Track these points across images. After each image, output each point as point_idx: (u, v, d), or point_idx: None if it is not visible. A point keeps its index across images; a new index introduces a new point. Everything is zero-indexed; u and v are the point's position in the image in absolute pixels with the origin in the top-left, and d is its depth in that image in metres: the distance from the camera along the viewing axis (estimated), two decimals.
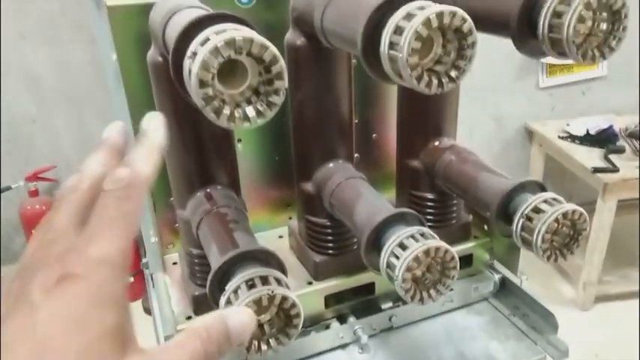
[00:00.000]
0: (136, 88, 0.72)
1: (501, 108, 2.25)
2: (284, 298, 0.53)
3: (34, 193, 1.99)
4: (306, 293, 0.77)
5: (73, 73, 1.91)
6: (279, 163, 0.91)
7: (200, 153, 0.69)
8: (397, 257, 0.58)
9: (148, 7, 0.66)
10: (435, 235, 0.60)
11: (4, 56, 1.84)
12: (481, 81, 2.09)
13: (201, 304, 0.73)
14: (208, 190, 0.71)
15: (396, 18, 0.45)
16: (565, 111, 2.29)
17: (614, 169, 1.85)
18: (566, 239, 0.66)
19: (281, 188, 0.93)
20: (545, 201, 0.65)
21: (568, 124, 2.15)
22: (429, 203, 0.85)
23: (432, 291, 0.60)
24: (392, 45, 0.45)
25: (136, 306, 1.79)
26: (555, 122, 2.22)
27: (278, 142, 0.89)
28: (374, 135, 0.95)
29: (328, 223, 0.78)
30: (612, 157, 1.92)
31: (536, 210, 0.65)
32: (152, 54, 0.64)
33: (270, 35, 0.74)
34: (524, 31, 0.55)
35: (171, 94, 0.63)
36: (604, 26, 0.52)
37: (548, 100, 2.28)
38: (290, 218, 0.95)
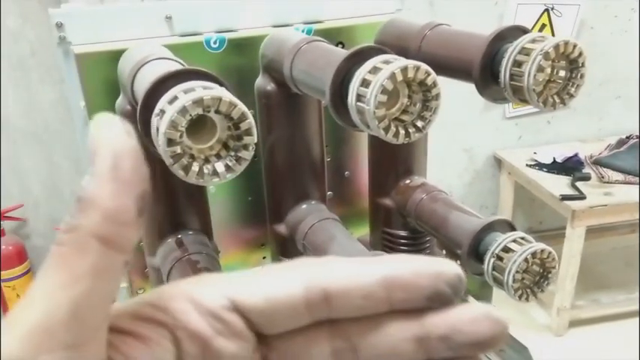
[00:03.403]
0: None
1: (471, 138, 2.30)
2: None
3: (1, 233, 1.93)
4: None
5: (42, 114, 1.89)
6: (252, 203, 0.90)
7: (171, 199, 0.68)
8: None
9: (117, 54, 0.66)
10: None
11: None
12: (450, 112, 2.13)
13: None
14: (179, 236, 0.70)
15: (362, 71, 0.46)
16: (532, 140, 2.35)
17: (581, 197, 1.89)
18: (537, 277, 0.67)
19: (255, 228, 0.92)
20: (514, 240, 0.66)
21: (535, 153, 2.20)
22: (402, 240, 0.85)
23: None
24: (359, 97, 0.46)
25: None
26: (523, 151, 2.27)
27: (251, 182, 0.88)
28: (346, 172, 0.95)
29: None
30: (579, 184, 1.96)
31: (506, 249, 0.66)
32: (121, 102, 0.63)
33: (241, 79, 0.76)
34: (486, 78, 0.57)
35: (141, 142, 0.63)
36: (562, 74, 0.55)
37: (515, 129, 2.34)
38: (264, 258, 0.94)
